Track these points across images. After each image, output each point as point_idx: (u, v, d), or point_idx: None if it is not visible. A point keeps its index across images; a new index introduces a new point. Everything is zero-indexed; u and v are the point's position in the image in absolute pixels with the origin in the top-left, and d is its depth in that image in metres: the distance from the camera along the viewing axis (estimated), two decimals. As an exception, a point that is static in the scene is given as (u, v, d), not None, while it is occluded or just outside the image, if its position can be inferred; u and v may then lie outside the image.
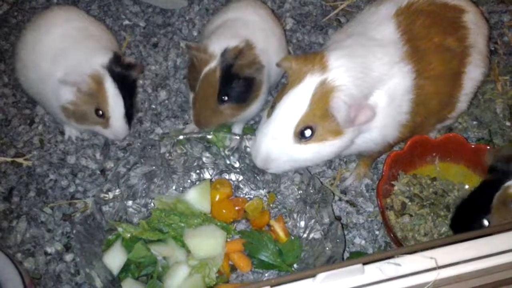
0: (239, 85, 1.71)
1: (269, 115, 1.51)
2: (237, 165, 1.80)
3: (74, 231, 1.72)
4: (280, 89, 1.66)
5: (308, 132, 1.47)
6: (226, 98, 1.71)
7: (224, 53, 1.69)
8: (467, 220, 1.56)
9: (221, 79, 1.68)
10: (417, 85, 1.57)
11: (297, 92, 1.45)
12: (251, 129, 1.95)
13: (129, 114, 1.79)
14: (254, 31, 1.82)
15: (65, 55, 1.77)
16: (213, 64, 1.69)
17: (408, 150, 1.74)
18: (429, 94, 1.60)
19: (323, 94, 1.44)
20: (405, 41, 1.57)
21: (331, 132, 1.48)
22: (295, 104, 1.45)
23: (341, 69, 1.45)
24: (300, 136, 1.47)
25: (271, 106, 1.52)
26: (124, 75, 1.76)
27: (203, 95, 1.71)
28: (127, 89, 1.77)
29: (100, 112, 1.74)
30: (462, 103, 1.76)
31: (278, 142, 1.48)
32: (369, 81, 1.49)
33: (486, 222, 1.50)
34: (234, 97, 1.72)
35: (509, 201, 1.48)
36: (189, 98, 1.80)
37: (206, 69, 1.69)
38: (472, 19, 1.69)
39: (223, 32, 1.78)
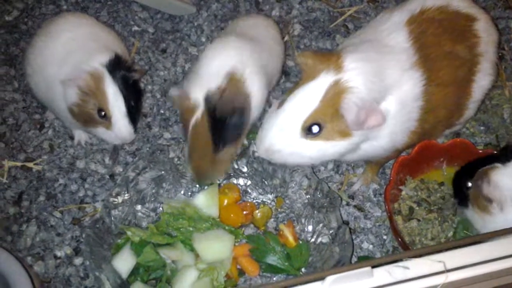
0: (231, 125, 1.58)
1: (279, 107, 1.52)
2: (245, 169, 1.81)
3: (84, 235, 1.73)
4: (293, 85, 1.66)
5: (315, 129, 1.47)
6: (221, 146, 1.59)
7: (207, 98, 1.55)
8: (459, 178, 1.64)
9: (211, 128, 1.55)
10: (426, 91, 1.58)
11: (310, 87, 1.46)
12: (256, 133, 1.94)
13: (133, 115, 1.76)
14: (241, 54, 1.66)
15: (69, 58, 1.78)
16: (199, 113, 1.56)
17: (416, 155, 1.74)
18: (438, 102, 1.61)
19: (336, 94, 1.45)
20: (416, 49, 1.58)
21: (339, 133, 1.48)
22: (307, 99, 1.46)
23: (355, 72, 1.46)
24: (307, 131, 1.48)
25: (282, 100, 1.53)
26: (124, 76, 1.75)
27: (197, 147, 1.60)
28: (129, 90, 1.76)
29: (103, 113, 1.73)
30: (470, 110, 1.77)
31: (285, 133, 1.48)
32: (382, 86, 1.50)
33: (469, 184, 1.58)
34: (230, 139, 1.60)
35: (477, 178, 1.53)
36: (185, 148, 1.68)
37: (193, 121, 1.57)
38: (483, 27, 1.70)
39: (203, 72, 1.62)
